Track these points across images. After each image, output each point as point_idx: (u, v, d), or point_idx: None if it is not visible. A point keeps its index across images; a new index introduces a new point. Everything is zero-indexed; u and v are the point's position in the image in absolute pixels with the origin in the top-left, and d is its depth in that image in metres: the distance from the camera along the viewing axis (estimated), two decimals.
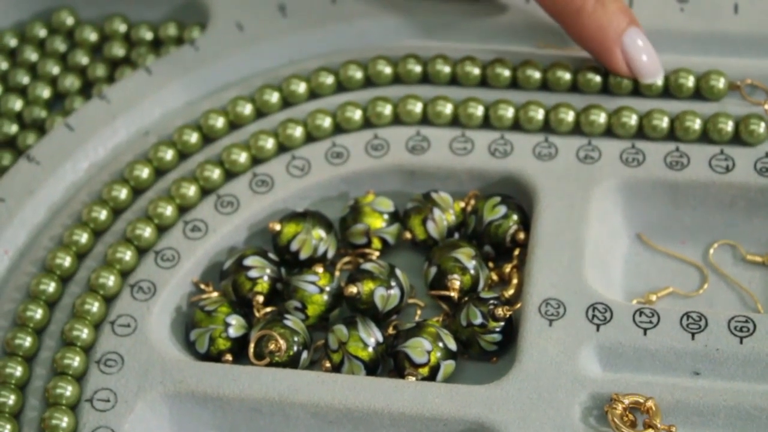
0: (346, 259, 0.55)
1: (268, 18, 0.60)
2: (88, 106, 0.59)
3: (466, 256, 0.53)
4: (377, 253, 0.55)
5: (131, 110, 0.58)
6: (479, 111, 0.56)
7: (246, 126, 0.58)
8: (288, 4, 0.60)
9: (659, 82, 0.56)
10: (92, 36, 0.63)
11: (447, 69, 0.58)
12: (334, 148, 0.56)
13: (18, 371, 0.52)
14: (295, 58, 0.60)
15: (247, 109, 0.58)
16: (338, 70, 0.58)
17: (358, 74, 0.58)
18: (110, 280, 0.53)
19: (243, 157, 0.56)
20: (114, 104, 0.58)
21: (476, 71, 0.57)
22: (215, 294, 0.54)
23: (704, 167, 0.54)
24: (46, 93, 0.62)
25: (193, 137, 0.57)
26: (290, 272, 0.54)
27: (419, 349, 0.51)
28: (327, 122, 0.57)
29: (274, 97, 0.58)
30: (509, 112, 0.56)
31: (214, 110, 0.58)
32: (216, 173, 0.56)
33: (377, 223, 0.55)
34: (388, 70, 0.58)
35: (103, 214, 0.55)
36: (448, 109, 0.57)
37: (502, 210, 0.54)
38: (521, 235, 0.54)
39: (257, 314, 0.54)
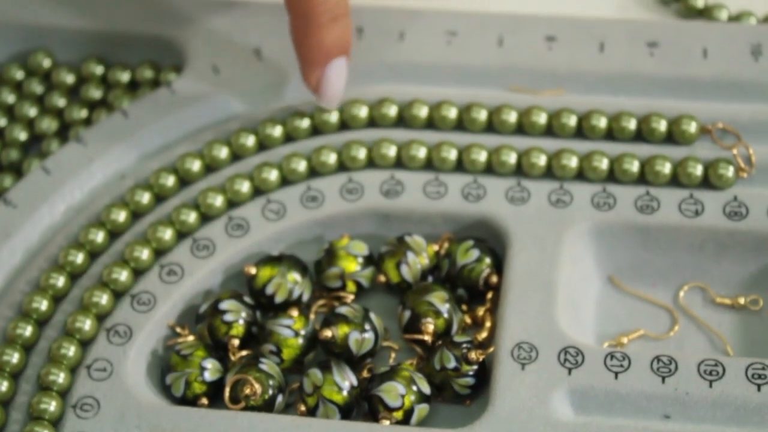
0: (321, 302, 0.56)
1: (243, 61, 0.61)
2: (64, 150, 0.59)
3: (439, 299, 0.54)
4: (352, 296, 0.56)
5: (108, 153, 0.59)
6: (452, 155, 0.57)
7: (222, 169, 0.58)
8: (263, 48, 0.61)
9: (330, 109, 0.58)
10: (69, 78, 0.63)
11: (423, 112, 0.58)
12: (309, 191, 0.57)
13: None
14: (270, 101, 0.60)
15: (223, 152, 0.58)
16: (313, 113, 0.59)
17: (333, 118, 0.59)
18: (86, 324, 0.54)
19: (219, 201, 0.57)
20: (90, 147, 0.59)
21: (452, 115, 0.58)
22: (191, 338, 0.54)
23: (674, 211, 0.55)
24: (23, 135, 0.62)
25: (170, 180, 0.58)
26: (265, 316, 0.55)
27: (393, 393, 0.51)
28: (302, 166, 0.57)
29: (250, 141, 0.58)
30: (482, 156, 0.57)
31: (190, 153, 0.58)
32: (192, 217, 0.57)
33: (352, 266, 0.55)
34: (363, 113, 0.59)
35: (79, 258, 0.56)
36: (422, 152, 0.57)
37: (475, 254, 0.55)
38: (494, 279, 0.55)
39: (233, 358, 0.54)
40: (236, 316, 0.54)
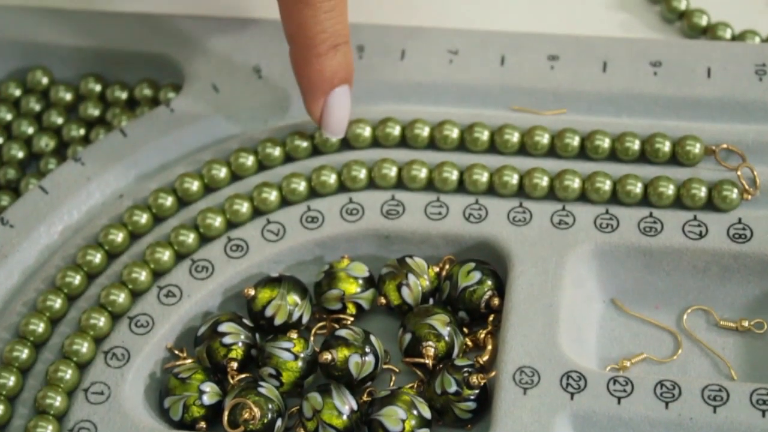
0: (321, 324, 0.55)
1: (243, 80, 0.60)
2: (62, 169, 0.58)
3: (440, 322, 0.53)
4: (352, 319, 0.55)
5: (106, 173, 0.58)
6: (454, 175, 0.57)
7: (221, 189, 0.58)
8: (263, 66, 0.61)
9: (333, 140, 0.58)
10: (67, 96, 0.63)
11: (425, 132, 0.58)
12: (309, 212, 0.56)
13: None
14: (270, 120, 0.59)
15: (222, 172, 0.58)
16: (314, 133, 0.58)
17: (334, 137, 0.58)
18: (84, 347, 0.53)
19: (218, 222, 0.56)
20: (89, 166, 0.58)
21: (454, 135, 0.58)
22: (189, 360, 0.54)
23: (678, 233, 0.54)
24: (20, 154, 0.61)
25: (168, 201, 0.57)
26: (265, 338, 0.54)
27: (394, 417, 0.51)
28: (302, 186, 0.57)
29: (250, 161, 0.58)
30: (484, 177, 0.56)
31: (189, 174, 0.58)
32: (191, 238, 0.56)
33: (352, 288, 0.55)
34: (366, 133, 0.58)
35: (77, 279, 0.55)
36: (423, 173, 0.57)
37: (476, 276, 0.54)
38: (496, 301, 0.54)
39: (231, 381, 0.53)
40: (235, 338, 0.53)
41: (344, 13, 0.55)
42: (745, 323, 0.54)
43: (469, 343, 0.54)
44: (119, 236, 0.56)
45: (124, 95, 0.63)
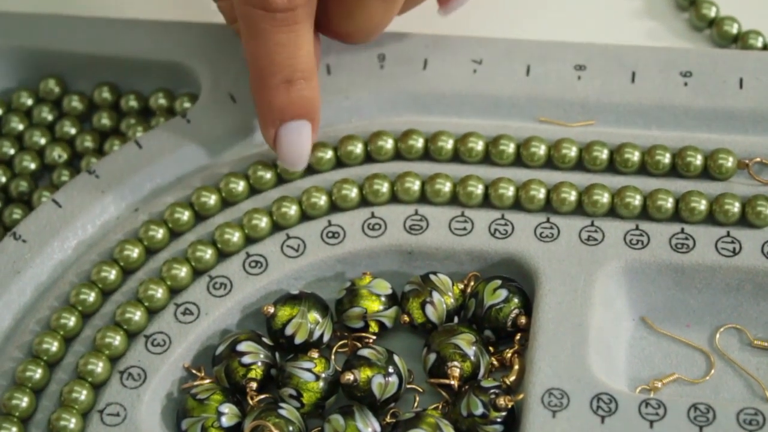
0: (342, 342, 0.54)
1: None
2: (76, 181, 0.57)
3: (466, 342, 0.52)
4: (374, 337, 0.53)
5: (121, 186, 0.57)
6: (479, 189, 0.55)
7: (239, 203, 0.56)
8: None
9: (297, 170, 0.56)
10: (80, 105, 0.61)
11: (449, 145, 0.56)
12: (330, 227, 0.55)
13: None
14: None
15: (241, 185, 0.56)
16: (337, 144, 0.57)
17: (358, 149, 0.56)
18: (99, 367, 0.52)
19: (236, 237, 0.55)
20: (103, 179, 0.57)
21: (479, 147, 0.56)
22: (207, 381, 0.52)
23: (710, 250, 0.53)
24: (33, 165, 0.60)
25: (185, 215, 0.56)
26: (285, 357, 0.53)
27: None
28: (323, 200, 0.55)
29: (268, 174, 0.56)
30: (510, 191, 0.55)
31: (206, 187, 0.56)
32: (208, 253, 0.55)
33: (374, 306, 0.53)
34: (389, 145, 0.57)
35: (91, 297, 0.54)
36: (447, 187, 0.55)
37: (503, 294, 0.53)
38: (523, 320, 0.53)
39: (251, 402, 0.52)
40: (255, 358, 0.52)
41: (302, 47, 0.53)
42: None
43: (495, 362, 0.53)
44: (135, 252, 0.55)
45: (138, 105, 0.61)
